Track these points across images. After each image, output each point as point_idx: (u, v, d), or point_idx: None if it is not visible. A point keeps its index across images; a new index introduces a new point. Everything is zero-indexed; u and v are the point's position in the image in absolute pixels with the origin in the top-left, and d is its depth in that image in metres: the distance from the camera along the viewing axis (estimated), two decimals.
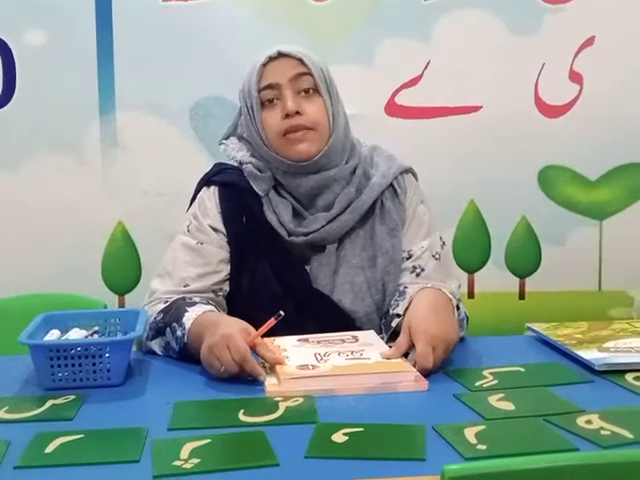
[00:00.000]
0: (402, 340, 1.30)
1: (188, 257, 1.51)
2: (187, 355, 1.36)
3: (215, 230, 1.53)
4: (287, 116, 1.46)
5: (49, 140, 2.42)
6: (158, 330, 1.41)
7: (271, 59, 1.48)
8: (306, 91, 1.48)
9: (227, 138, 1.60)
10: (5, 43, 2.39)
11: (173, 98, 2.43)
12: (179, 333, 1.36)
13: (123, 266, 2.47)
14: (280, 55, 1.48)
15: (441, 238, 1.59)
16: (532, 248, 2.57)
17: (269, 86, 1.48)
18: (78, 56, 2.40)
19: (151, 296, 1.51)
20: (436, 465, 0.80)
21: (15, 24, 2.38)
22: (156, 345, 1.43)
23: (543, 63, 2.50)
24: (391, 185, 1.55)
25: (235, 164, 1.57)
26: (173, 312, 1.41)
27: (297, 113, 1.46)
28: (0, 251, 2.42)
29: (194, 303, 1.43)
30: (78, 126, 2.42)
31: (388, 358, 1.27)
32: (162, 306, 1.45)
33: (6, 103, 2.40)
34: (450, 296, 1.43)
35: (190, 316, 1.37)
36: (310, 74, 1.47)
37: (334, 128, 1.50)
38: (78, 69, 2.40)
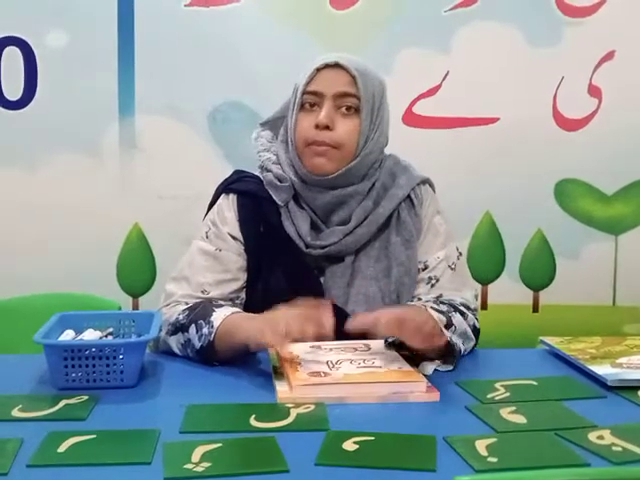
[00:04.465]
0: (366, 316, 1.28)
1: (206, 263, 1.52)
2: (207, 354, 1.35)
3: (234, 238, 1.53)
4: (317, 127, 1.46)
5: (68, 141, 2.44)
6: (180, 327, 1.41)
7: (327, 66, 1.47)
8: (347, 108, 1.47)
9: (267, 123, 1.61)
10: (27, 44, 2.41)
11: (192, 102, 2.45)
12: (205, 331, 1.35)
13: (138, 268, 2.49)
14: (337, 65, 1.47)
15: (457, 248, 1.58)
16: (547, 261, 2.57)
17: (314, 92, 1.48)
18: (99, 58, 2.43)
19: (168, 298, 1.51)
20: (447, 476, 0.80)
21: (37, 25, 2.41)
22: (174, 341, 1.42)
23: (562, 76, 2.50)
24: (408, 196, 1.55)
25: (257, 164, 1.58)
26: (200, 310, 1.41)
27: (327, 127, 1.46)
28: (17, 249, 2.44)
29: (220, 305, 1.44)
30: (97, 128, 2.45)
31: (347, 332, 1.27)
32: (184, 306, 1.45)
33: (27, 103, 2.43)
34: (436, 316, 1.37)
35: (219, 315, 1.37)
36: (357, 96, 1.46)
37: (361, 152, 1.49)
38: (99, 71, 2.43)
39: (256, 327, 1.28)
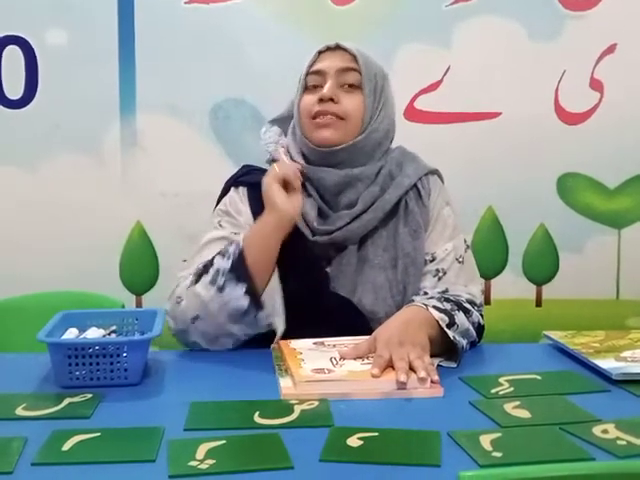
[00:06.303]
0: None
1: (222, 245, 1.47)
2: (239, 270, 1.36)
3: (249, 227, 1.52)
4: (321, 101, 1.49)
5: (70, 140, 2.44)
6: (204, 267, 1.41)
7: (329, 49, 1.54)
8: (350, 85, 1.51)
9: (275, 121, 1.63)
10: (27, 42, 2.41)
11: (193, 100, 2.45)
12: (232, 249, 1.38)
13: (141, 266, 2.49)
14: (338, 47, 1.53)
15: (465, 241, 1.58)
16: (550, 255, 2.56)
17: (317, 72, 1.52)
18: (100, 56, 2.43)
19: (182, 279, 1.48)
20: (451, 471, 0.80)
21: (38, 23, 2.41)
22: (200, 287, 1.39)
23: (564, 70, 2.49)
24: (415, 186, 1.55)
25: (259, 161, 1.59)
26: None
27: (331, 100, 1.49)
28: (19, 248, 2.44)
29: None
30: (99, 126, 2.45)
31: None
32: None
33: (28, 102, 2.43)
34: (437, 316, 1.37)
35: (240, 236, 1.43)
36: (358, 71, 1.51)
37: (367, 128, 1.51)
38: (100, 69, 2.43)
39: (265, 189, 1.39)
